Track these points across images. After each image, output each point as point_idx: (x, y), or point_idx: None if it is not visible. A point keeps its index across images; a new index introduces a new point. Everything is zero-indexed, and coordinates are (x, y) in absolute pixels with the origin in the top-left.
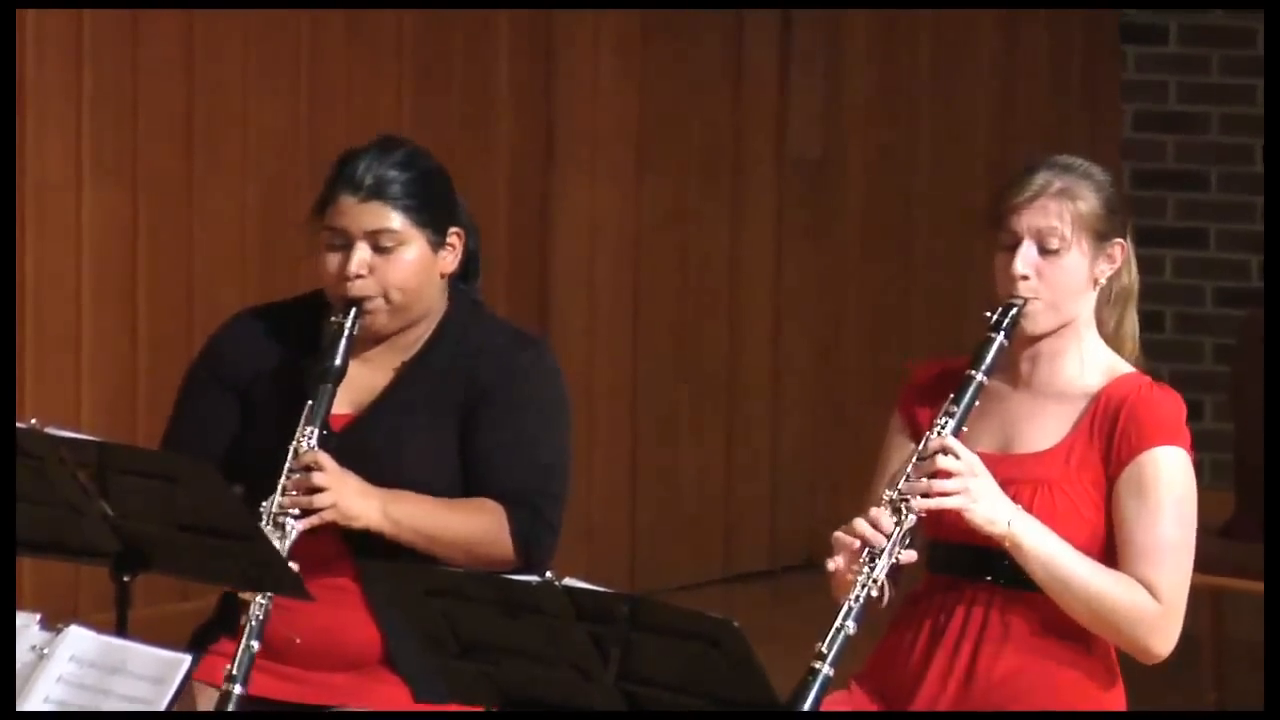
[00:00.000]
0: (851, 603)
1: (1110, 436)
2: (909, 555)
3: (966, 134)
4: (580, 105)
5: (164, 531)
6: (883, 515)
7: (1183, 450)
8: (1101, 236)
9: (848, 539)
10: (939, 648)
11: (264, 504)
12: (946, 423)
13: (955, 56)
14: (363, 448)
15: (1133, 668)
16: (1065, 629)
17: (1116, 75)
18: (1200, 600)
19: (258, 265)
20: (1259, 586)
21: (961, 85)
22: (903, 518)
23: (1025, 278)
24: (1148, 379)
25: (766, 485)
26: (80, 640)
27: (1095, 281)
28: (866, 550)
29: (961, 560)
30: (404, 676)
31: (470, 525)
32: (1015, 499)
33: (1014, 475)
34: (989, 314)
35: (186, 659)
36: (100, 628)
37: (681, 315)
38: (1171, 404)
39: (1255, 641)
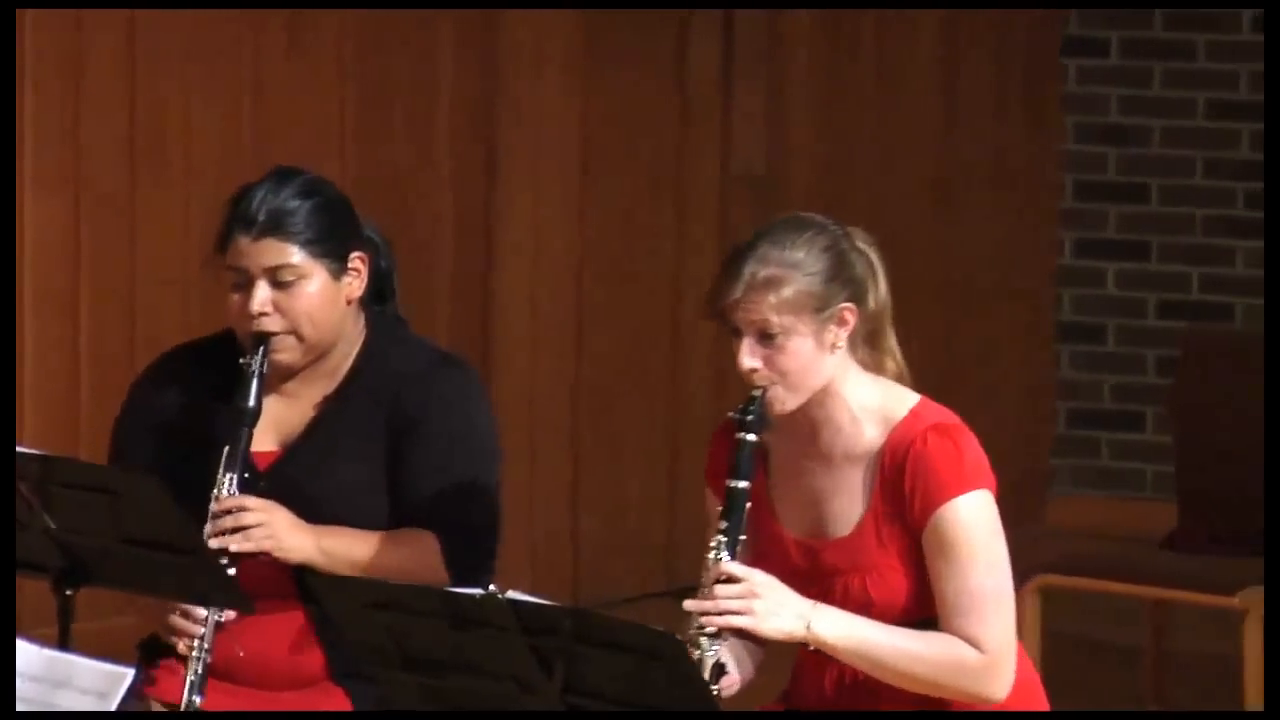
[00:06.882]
0: None
1: (902, 496)
2: (728, 681)
3: (910, 148)
4: (523, 123)
5: (106, 545)
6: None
7: (976, 492)
8: (821, 309)
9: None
10: (841, 694)
11: None
12: (720, 544)
13: (897, 71)
14: (291, 484)
15: (1069, 681)
16: None
17: (1058, 88)
18: (1141, 612)
19: (200, 279)
20: (1200, 598)
21: (904, 99)
22: (704, 651)
23: (755, 370)
24: (923, 425)
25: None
26: (23, 655)
27: (832, 346)
28: None
29: None
30: (343, 688)
31: (404, 555)
32: (846, 590)
33: (838, 565)
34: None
35: (129, 672)
36: (43, 642)
37: (625, 332)
38: (951, 449)
39: (1196, 653)
